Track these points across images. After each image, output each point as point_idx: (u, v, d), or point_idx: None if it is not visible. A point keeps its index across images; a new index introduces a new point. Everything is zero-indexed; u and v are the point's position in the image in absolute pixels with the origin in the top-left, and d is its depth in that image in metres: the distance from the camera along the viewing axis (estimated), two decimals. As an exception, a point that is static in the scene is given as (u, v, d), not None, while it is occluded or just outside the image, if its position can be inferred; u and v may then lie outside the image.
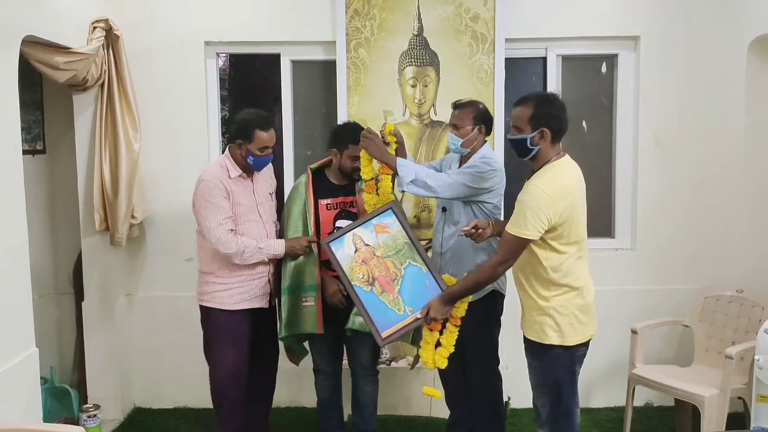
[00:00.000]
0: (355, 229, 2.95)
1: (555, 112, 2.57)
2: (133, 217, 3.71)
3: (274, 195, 3.34)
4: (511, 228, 2.52)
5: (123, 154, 3.63)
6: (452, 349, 2.86)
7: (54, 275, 4.12)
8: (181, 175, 3.87)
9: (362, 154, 3.03)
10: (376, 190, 3.07)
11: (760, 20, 3.55)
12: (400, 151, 3.14)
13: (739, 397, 3.40)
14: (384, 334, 2.82)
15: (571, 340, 2.60)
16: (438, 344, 2.87)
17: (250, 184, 3.16)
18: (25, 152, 2.96)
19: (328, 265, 3.06)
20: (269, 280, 3.20)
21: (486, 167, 2.98)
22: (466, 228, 2.86)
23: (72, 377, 4.09)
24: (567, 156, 2.63)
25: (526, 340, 2.71)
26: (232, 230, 3.04)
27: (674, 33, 3.85)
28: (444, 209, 3.14)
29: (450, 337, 2.87)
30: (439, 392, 3.04)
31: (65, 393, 3.83)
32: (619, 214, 4.07)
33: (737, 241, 3.86)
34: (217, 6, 3.84)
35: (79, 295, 3.96)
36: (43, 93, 4.00)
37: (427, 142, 3.83)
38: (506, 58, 3.80)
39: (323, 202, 3.19)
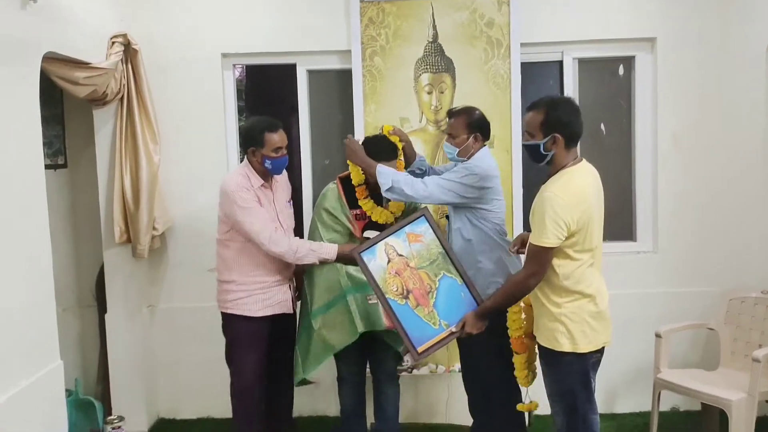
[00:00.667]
0: (387, 238, 2.87)
1: (566, 117, 2.54)
2: (154, 228, 3.74)
3: (291, 202, 3.37)
4: (533, 239, 2.51)
5: (143, 167, 3.66)
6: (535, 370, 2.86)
7: (77, 288, 4.17)
8: (201, 186, 3.91)
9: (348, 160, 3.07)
10: (368, 195, 3.08)
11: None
12: (408, 149, 3.14)
13: (767, 401, 3.35)
14: (420, 349, 2.77)
15: (584, 347, 2.56)
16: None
17: (270, 193, 3.19)
18: (47, 167, 3.00)
19: None
20: (290, 286, 3.23)
21: (464, 171, 2.94)
22: (512, 248, 2.88)
23: (96, 389, 4.12)
24: (584, 161, 2.61)
25: (539, 347, 2.69)
26: (277, 228, 3.08)
27: (691, 34, 3.82)
28: (447, 216, 3.14)
29: (532, 356, 2.85)
30: (535, 403, 2.95)
31: (90, 405, 3.85)
32: (640, 216, 4.03)
33: (760, 242, 3.81)
34: (232, 18, 3.88)
35: (101, 307, 3.99)
36: (63, 108, 4.05)
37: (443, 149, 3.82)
38: (522, 63, 3.79)
39: (352, 212, 3.19)
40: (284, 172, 3.29)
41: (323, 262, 3.08)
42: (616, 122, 4.07)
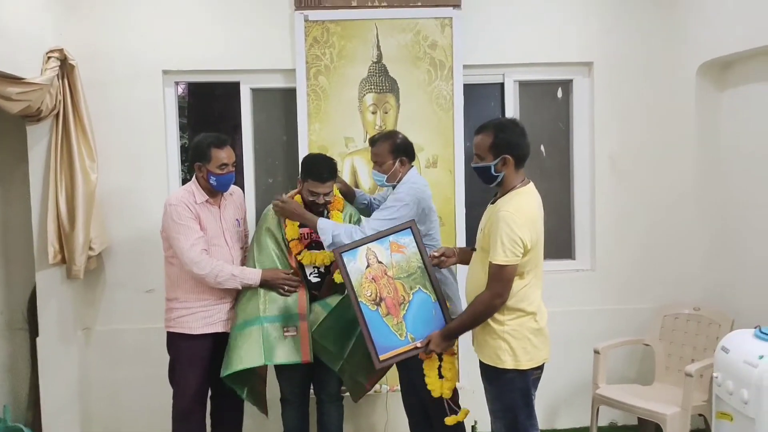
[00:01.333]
0: (370, 243, 2.88)
1: (515, 139, 2.60)
2: (90, 248, 3.63)
3: (242, 221, 3.34)
4: (493, 258, 2.52)
5: (79, 185, 3.56)
6: (457, 380, 2.89)
7: (7, 311, 4.00)
8: (141, 205, 3.82)
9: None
10: (303, 248, 3.10)
11: (706, 46, 3.69)
12: (345, 189, 3.24)
13: (700, 414, 3.47)
14: (382, 357, 2.77)
15: (525, 364, 2.61)
16: (441, 375, 2.88)
17: (216, 210, 3.17)
18: (-24, 185, 2.89)
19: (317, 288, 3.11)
20: (232, 306, 3.19)
21: (397, 204, 2.96)
22: (434, 254, 2.90)
23: (27, 416, 3.95)
24: (531, 184, 2.68)
25: (481, 364, 2.72)
26: (205, 250, 3.04)
27: (626, 59, 3.97)
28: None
29: (452, 370, 2.89)
30: (464, 411, 2.95)
31: (19, 433, 3.69)
32: (579, 236, 4.14)
33: (693, 260, 3.95)
34: (175, 35, 3.82)
35: (33, 330, 3.83)
36: (-6, 124, 3.91)
37: (388, 167, 3.84)
38: (465, 84, 3.86)
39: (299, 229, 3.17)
40: (240, 192, 3.33)
41: (246, 288, 3.06)
42: (555, 144, 4.18)
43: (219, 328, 3.15)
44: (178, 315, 3.12)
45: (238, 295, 3.18)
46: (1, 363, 3.88)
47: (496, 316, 2.60)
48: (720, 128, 3.81)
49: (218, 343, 3.14)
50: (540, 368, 2.69)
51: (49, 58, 3.44)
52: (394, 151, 3.05)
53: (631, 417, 3.81)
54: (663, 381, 3.76)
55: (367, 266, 2.84)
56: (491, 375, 2.66)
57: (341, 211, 3.18)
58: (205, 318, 3.11)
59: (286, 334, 3.02)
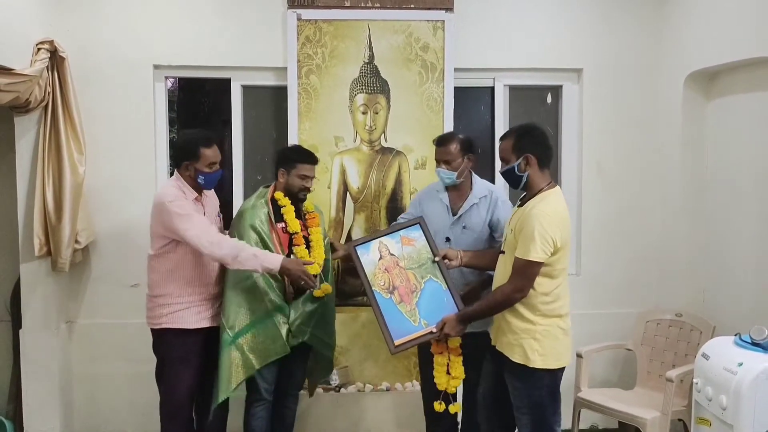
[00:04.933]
0: (382, 237, 3.06)
1: (536, 139, 2.72)
2: (76, 242, 3.62)
3: (220, 215, 3.35)
4: (521, 254, 2.59)
5: (67, 178, 3.54)
6: (463, 376, 2.96)
7: (-10, 302, 3.98)
8: (128, 199, 3.82)
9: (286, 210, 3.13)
10: (307, 245, 3.13)
11: (694, 57, 3.73)
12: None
13: (680, 419, 3.50)
14: (397, 342, 2.87)
15: (554, 364, 2.69)
16: (448, 372, 2.97)
17: (201, 207, 3.15)
18: (-38, 175, 2.87)
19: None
20: (221, 303, 3.18)
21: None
22: (436, 258, 2.98)
23: (7, 408, 3.93)
24: (558, 187, 2.75)
25: (508, 362, 2.75)
26: (217, 231, 3.05)
27: (615, 66, 4.01)
28: (448, 239, 3.14)
29: (458, 368, 2.97)
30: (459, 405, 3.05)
31: (0, 425, 3.67)
32: (565, 240, 4.16)
33: (677, 267, 3.98)
34: (166, 29, 3.82)
35: (16, 322, 3.81)
36: (-18, 114, 3.88)
37: (377, 168, 3.86)
38: (455, 87, 3.88)
39: (279, 225, 3.17)
40: (212, 191, 3.30)
41: (267, 272, 3.02)
42: (543, 148, 4.20)
43: (213, 323, 3.15)
44: (171, 310, 3.08)
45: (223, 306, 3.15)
46: (-18, 355, 3.86)
47: (528, 316, 2.67)
48: (706, 137, 3.85)
49: (208, 339, 3.14)
50: (564, 368, 2.78)
51: (39, 49, 3.42)
52: (461, 150, 3.08)
53: (612, 421, 3.84)
54: (644, 386, 3.79)
55: (380, 258, 3.01)
56: (520, 373, 2.71)
57: (318, 227, 3.24)
58: (198, 313, 3.11)
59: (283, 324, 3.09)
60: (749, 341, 2.78)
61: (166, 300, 3.09)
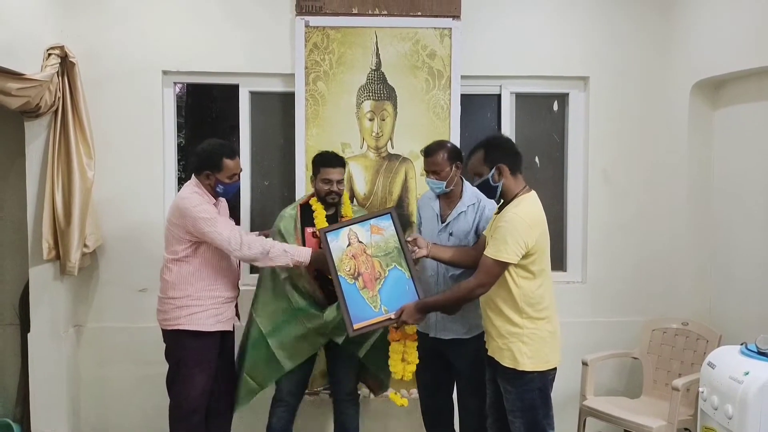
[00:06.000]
0: (352, 225, 3.13)
1: (504, 148, 2.78)
2: (85, 246, 3.64)
3: (232, 220, 3.39)
4: (490, 252, 2.65)
5: (76, 182, 3.57)
6: (417, 361, 3.06)
7: (-1, 305, 4.01)
8: (136, 204, 3.84)
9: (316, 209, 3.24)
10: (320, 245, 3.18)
11: (701, 66, 3.73)
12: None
13: (686, 429, 3.49)
14: (356, 326, 2.95)
15: (543, 366, 2.73)
16: (404, 359, 3.08)
17: (217, 213, 3.21)
18: (-28, 179, 2.90)
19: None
20: (236, 304, 3.29)
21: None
22: (409, 239, 3.05)
23: (15, 411, 3.95)
24: (533, 192, 2.79)
25: (498, 367, 2.78)
26: (244, 232, 3.13)
27: (622, 75, 4.02)
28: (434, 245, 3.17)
29: (413, 353, 3.08)
30: (405, 400, 3.18)
31: (7, 428, 3.70)
32: (571, 248, 4.17)
33: (683, 275, 3.97)
34: (175, 35, 3.85)
35: (24, 326, 3.83)
36: (-7, 119, 3.92)
37: (384, 174, 3.87)
38: (462, 95, 3.89)
39: (309, 229, 3.27)
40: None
41: (296, 266, 3.12)
42: (549, 156, 4.21)
43: (228, 326, 3.23)
44: (189, 312, 3.12)
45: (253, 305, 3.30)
46: (-9, 358, 3.88)
47: (515, 319, 2.71)
48: (712, 146, 3.85)
49: (222, 343, 3.22)
50: (555, 369, 2.81)
51: (49, 54, 3.46)
52: (449, 158, 3.11)
53: (618, 429, 3.82)
54: (650, 394, 3.78)
55: (348, 245, 3.08)
56: (511, 377, 2.75)
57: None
58: (216, 315, 3.15)
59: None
60: (755, 350, 2.78)
61: (185, 302, 3.12)
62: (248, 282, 3.75)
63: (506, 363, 2.74)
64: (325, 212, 3.27)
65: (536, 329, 2.72)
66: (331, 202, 3.26)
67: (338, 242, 3.07)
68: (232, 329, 3.30)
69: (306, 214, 3.30)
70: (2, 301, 4.02)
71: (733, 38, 3.48)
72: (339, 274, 3.02)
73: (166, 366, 3.18)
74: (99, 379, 3.90)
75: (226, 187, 3.16)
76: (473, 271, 2.78)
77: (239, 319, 3.37)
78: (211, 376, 3.16)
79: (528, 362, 2.70)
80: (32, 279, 3.69)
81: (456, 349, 3.07)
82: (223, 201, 3.33)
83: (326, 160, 3.26)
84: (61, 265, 3.61)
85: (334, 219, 3.29)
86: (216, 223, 3.05)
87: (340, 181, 3.25)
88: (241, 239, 3.05)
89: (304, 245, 3.20)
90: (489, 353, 2.85)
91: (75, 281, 3.80)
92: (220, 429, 3.34)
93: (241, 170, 3.21)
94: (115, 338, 3.88)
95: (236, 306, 3.31)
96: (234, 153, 3.19)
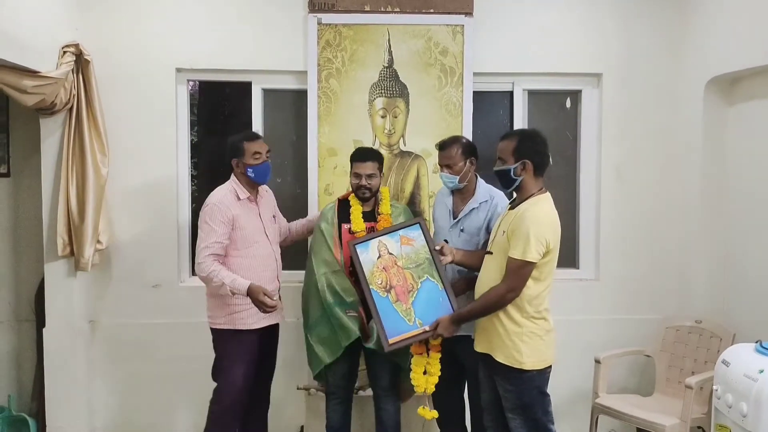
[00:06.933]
0: (381, 237, 3.09)
1: (537, 147, 2.76)
2: (98, 242, 3.67)
3: (276, 218, 3.45)
4: (515, 254, 2.64)
5: (90, 179, 3.60)
6: (439, 373, 3.03)
7: (15, 301, 4.05)
8: (149, 201, 3.87)
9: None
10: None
11: (715, 62, 3.70)
12: None
13: (699, 427, 3.48)
14: (391, 341, 2.93)
15: (542, 364, 2.74)
16: (426, 372, 3.06)
17: (255, 207, 3.28)
18: (-12, 175, 2.93)
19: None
20: (279, 296, 3.33)
21: None
22: (436, 247, 3.01)
23: (31, 406, 3.99)
24: (548, 193, 2.79)
25: (495, 364, 2.78)
26: (215, 255, 3.13)
27: (635, 71, 4.00)
28: (446, 241, 3.16)
29: (436, 365, 3.04)
30: (435, 412, 3.09)
31: (23, 422, 3.74)
32: (584, 245, 4.15)
33: (696, 272, 3.95)
34: (189, 33, 3.86)
35: (40, 321, 3.87)
36: (9, 115, 3.95)
37: (396, 171, 3.88)
38: (474, 92, 3.89)
39: (346, 226, 3.29)
40: (269, 190, 3.42)
41: (236, 294, 3.13)
42: (562, 153, 4.20)
43: (272, 320, 3.28)
44: (230, 311, 3.20)
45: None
46: (7, 353, 3.92)
47: (516, 317, 2.71)
48: (726, 143, 3.82)
49: (263, 337, 3.28)
50: (550, 366, 2.82)
51: (64, 52, 3.49)
52: (463, 153, 3.12)
53: (630, 427, 3.81)
54: (663, 392, 3.77)
55: (379, 257, 3.05)
56: (509, 375, 2.75)
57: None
58: (256, 313, 3.20)
59: (348, 314, 3.17)
60: (770, 348, 2.76)
61: (226, 300, 3.18)
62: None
63: (503, 360, 2.73)
64: (361, 208, 3.27)
65: (536, 328, 2.73)
66: (362, 196, 3.26)
67: (368, 254, 3.05)
68: (278, 320, 3.34)
69: (344, 210, 3.32)
70: (18, 297, 4.06)
71: (749, 34, 3.45)
72: (371, 287, 2.99)
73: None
74: (113, 375, 3.93)
75: (255, 168, 3.19)
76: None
77: (283, 310, 3.42)
78: (249, 371, 3.24)
79: (528, 361, 2.71)
80: (47, 275, 3.73)
81: (466, 346, 3.06)
82: (266, 194, 3.39)
83: (357, 154, 3.29)
84: (76, 261, 3.64)
85: (372, 216, 3.29)
86: (208, 230, 3.12)
87: (370, 176, 3.23)
88: (203, 258, 3.09)
89: (340, 240, 3.25)
90: (481, 350, 2.85)
91: (89, 277, 3.83)
92: (258, 419, 3.45)
93: (266, 150, 3.23)
94: (129, 334, 3.91)
95: (279, 298, 3.35)
96: (254, 136, 3.27)
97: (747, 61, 3.47)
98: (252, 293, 3.08)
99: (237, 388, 3.21)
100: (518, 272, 2.66)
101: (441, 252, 3.01)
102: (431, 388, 3.04)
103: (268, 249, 3.28)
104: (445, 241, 3.14)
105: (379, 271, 3.02)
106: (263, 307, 3.09)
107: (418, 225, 3.11)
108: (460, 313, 2.89)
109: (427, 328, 2.93)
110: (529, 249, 2.61)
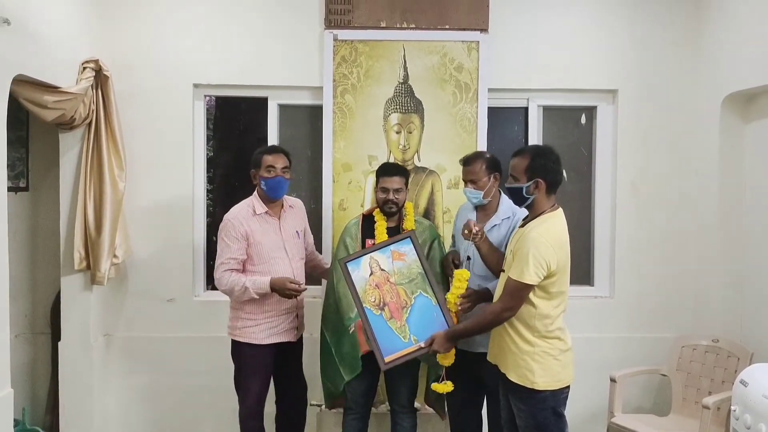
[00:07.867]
0: (372, 253, 3.03)
1: (550, 165, 2.70)
2: (115, 256, 3.69)
3: (302, 233, 3.41)
4: (514, 275, 2.61)
5: (108, 193, 3.63)
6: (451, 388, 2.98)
7: (31, 314, 4.07)
8: (166, 216, 3.90)
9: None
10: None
11: (731, 79, 3.69)
12: None
13: (717, 447, 3.42)
14: (387, 359, 2.89)
15: (556, 384, 2.68)
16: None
17: (276, 221, 3.26)
18: (8, 189, 2.95)
19: None
20: (297, 315, 3.31)
21: None
22: (476, 228, 2.91)
23: (45, 419, 4.00)
24: (560, 210, 2.75)
25: (509, 383, 2.74)
26: (232, 270, 3.15)
27: (651, 87, 3.99)
28: (468, 258, 3.15)
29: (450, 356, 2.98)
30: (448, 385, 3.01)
31: (37, 436, 3.74)
32: (598, 262, 4.13)
33: (713, 290, 3.91)
34: (206, 49, 3.91)
35: (55, 334, 3.89)
36: (29, 130, 4.00)
37: (410, 187, 3.87)
38: (489, 107, 3.89)
39: (370, 241, 3.27)
40: (301, 204, 3.45)
41: (261, 295, 3.14)
42: (577, 169, 4.19)
43: (283, 338, 3.27)
44: (243, 325, 3.22)
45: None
46: (22, 366, 3.94)
47: (527, 336, 2.67)
48: (743, 160, 3.80)
49: (283, 351, 3.28)
50: (568, 387, 2.76)
51: (84, 68, 3.53)
52: (487, 168, 3.10)
53: (646, 447, 3.77)
54: (679, 412, 3.72)
55: (371, 274, 3.00)
56: (523, 394, 2.71)
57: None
58: (270, 329, 3.22)
59: (350, 330, 3.15)
60: (790, 369, 2.73)
61: (240, 314, 3.23)
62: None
63: (516, 380, 2.70)
64: (386, 223, 3.25)
65: (549, 347, 2.67)
66: (389, 211, 3.22)
67: (360, 272, 2.98)
68: (293, 339, 3.31)
69: (368, 225, 3.30)
70: (34, 309, 4.08)
71: (765, 51, 3.43)
72: (364, 305, 2.94)
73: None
74: (128, 388, 3.94)
75: (267, 182, 3.19)
76: None
77: (303, 328, 3.41)
78: (264, 384, 3.26)
79: (540, 381, 2.66)
80: (64, 288, 3.75)
81: (486, 363, 3.03)
82: (292, 209, 3.36)
83: (384, 169, 3.27)
84: (92, 275, 3.66)
85: (396, 231, 3.24)
86: (224, 246, 3.16)
87: (397, 191, 3.19)
88: (221, 272, 3.14)
89: None
90: (493, 360, 2.83)
91: (105, 291, 3.85)
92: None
93: (283, 165, 3.20)
94: (143, 348, 3.92)
95: (299, 317, 3.34)
96: (272, 149, 3.26)
97: (764, 78, 3.45)
98: (276, 286, 3.10)
99: (252, 398, 3.22)
100: (514, 293, 2.63)
101: (467, 226, 2.93)
102: (451, 360, 2.97)
103: (286, 265, 3.24)
104: (468, 258, 3.10)
105: (371, 288, 2.96)
106: (292, 294, 3.11)
107: (409, 239, 3.05)
108: (454, 330, 2.87)
109: (422, 345, 2.90)
110: (528, 271, 2.57)
